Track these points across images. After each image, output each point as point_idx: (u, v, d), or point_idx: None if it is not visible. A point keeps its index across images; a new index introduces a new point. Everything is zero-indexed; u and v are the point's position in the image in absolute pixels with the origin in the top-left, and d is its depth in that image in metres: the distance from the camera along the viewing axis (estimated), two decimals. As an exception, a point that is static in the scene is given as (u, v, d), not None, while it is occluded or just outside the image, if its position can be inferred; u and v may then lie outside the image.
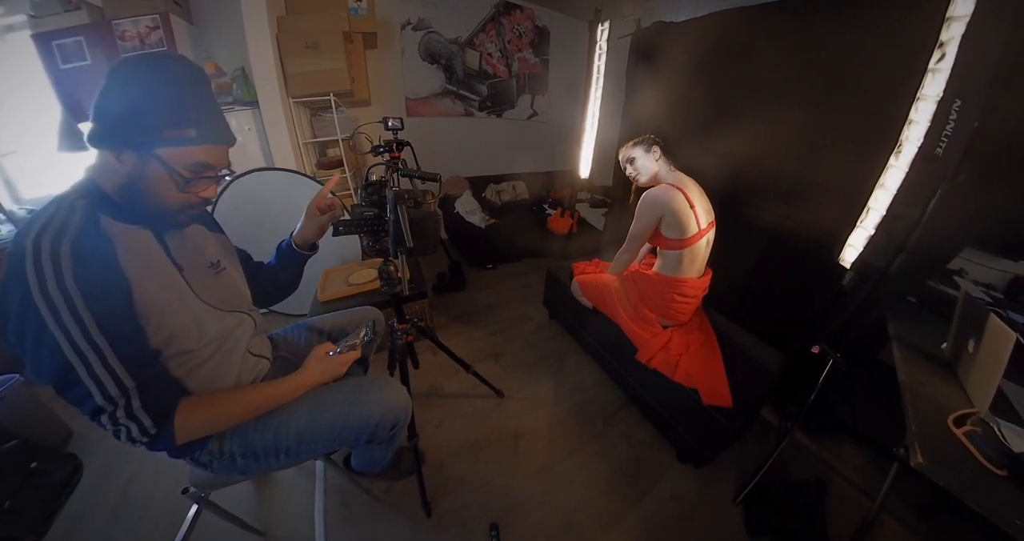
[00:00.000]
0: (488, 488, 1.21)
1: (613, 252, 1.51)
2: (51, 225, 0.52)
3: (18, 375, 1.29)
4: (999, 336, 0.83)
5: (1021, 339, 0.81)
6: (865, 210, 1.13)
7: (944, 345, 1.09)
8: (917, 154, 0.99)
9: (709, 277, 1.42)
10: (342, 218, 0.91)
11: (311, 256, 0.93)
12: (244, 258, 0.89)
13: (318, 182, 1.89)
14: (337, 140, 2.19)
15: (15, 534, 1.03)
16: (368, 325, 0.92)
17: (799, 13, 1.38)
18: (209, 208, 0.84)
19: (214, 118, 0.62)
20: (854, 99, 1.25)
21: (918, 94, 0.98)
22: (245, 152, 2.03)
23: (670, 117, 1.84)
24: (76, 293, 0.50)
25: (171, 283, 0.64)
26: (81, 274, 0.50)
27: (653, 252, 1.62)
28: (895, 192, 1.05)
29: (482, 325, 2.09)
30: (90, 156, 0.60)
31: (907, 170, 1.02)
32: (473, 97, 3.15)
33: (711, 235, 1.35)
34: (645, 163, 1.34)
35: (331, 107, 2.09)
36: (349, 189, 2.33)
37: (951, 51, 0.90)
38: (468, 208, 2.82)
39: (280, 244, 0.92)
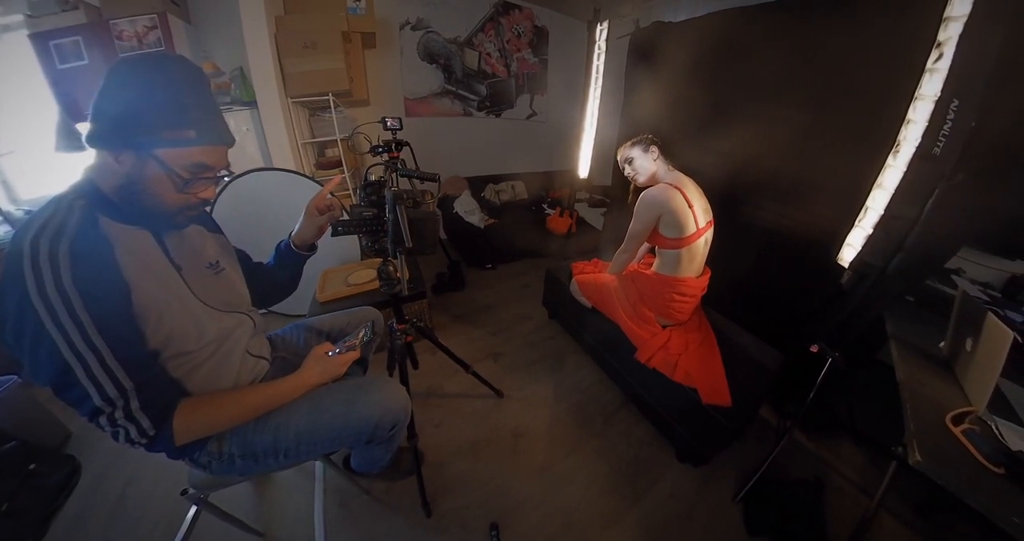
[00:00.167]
0: (488, 488, 1.21)
1: (612, 252, 1.51)
2: (49, 226, 0.52)
3: (16, 376, 1.28)
4: (996, 335, 0.83)
5: (1018, 338, 0.81)
6: (863, 209, 1.14)
7: (942, 344, 1.09)
8: (915, 154, 0.99)
9: (708, 276, 1.42)
10: (341, 218, 0.91)
11: (310, 256, 0.93)
12: (243, 258, 0.89)
13: (317, 182, 1.89)
14: (336, 140, 2.18)
15: (13, 536, 1.02)
16: (367, 325, 0.92)
17: (797, 13, 1.38)
18: (208, 208, 0.84)
19: (213, 119, 0.62)
20: (852, 99, 1.25)
21: (916, 94, 0.99)
22: (243, 152, 2.02)
23: (669, 117, 1.84)
24: (74, 294, 0.49)
25: (169, 284, 0.63)
26: (79, 275, 0.50)
27: (652, 251, 1.62)
28: (893, 192, 1.05)
29: (481, 325, 2.09)
30: (88, 157, 0.60)
31: (905, 170, 1.02)
32: (472, 97, 3.15)
33: (709, 234, 1.36)
34: (643, 163, 1.34)
35: (330, 107, 2.09)
36: (348, 189, 2.32)
37: (948, 51, 0.91)
38: (467, 208, 2.82)
39: (279, 245, 0.92)
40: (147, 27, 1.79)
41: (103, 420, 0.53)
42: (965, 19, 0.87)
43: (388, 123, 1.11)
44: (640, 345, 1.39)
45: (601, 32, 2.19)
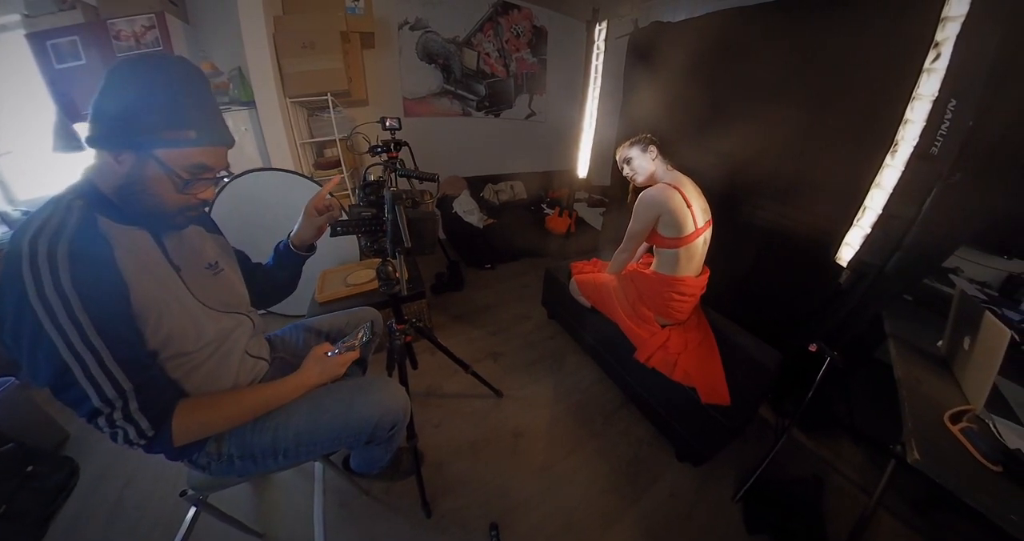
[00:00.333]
0: (488, 488, 1.21)
1: (611, 251, 1.52)
2: (48, 226, 0.52)
3: (14, 378, 1.28)
4: (994, 333, 0.84)
5: (1016, 336, 0.82)
6: (861, 209, 1.14)
7: (940, 343, 1.10)
8: (913, 153, 1.00)
9: (707, 276, 1.42)
10: (340, 218, 0.91)
11: (308, 257, 0.93)
12: (242, 259, 0.89)
13: (316, 183, 1.89)
14: (335, 140, 2.18)
15: (12, 538, 1.02)
16: (366, 325, 0.92)
17: (796, 13, 1.38)
18: (207, 209, 0.84)
19: (213, 119, 0.62)
20: (850, 99, 1.25)
21: (914, 94, 0.99)
22: (242, 152, 2.02)
23: (667, 117, 1.85)
24: (73, 295, 0.49)
25: (168, 284, 0.63)
26: (78, 275, 0.50)
27: (650, 251, 1.62)
28: (891, 191, 1.05)
29: (481, 325, 2.09)
30: (86, 157, 0.60)
31: (903, 169, 1.02)
32: (471, 97, 3.14)
33: (708, 234, 1.36)
34: (642, 163, 1.34)
35: (328, 107, 2.09)
36: (347, 189, 2.32)
37: (946, 51, 0.91)
38: (466, 208, 2.82)
39: (277, 245, 0.92)
40: (145, 27, 1.79)
41: (101, 421, 0.53)
42: (963, 19, 0.88)
43: (387, 123, 1.10)
44: (639, 344, 1.39)
45: (600, 32, 2.20)
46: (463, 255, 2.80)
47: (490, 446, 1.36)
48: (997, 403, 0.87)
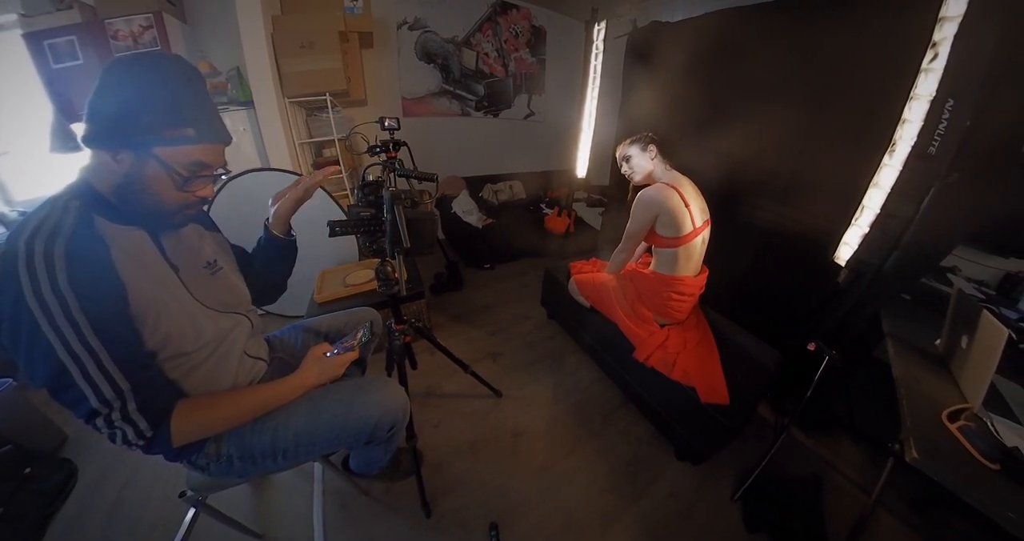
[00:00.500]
0: (487, 488, 1.21)
1: (610, 251, 1.52)
2: (44, 226, 0.51)
3: (11, 379, 1.27)
4: (991, 332, 0.84)
5: (1013, 335, 0.82)
6: (860, 208, 1.14)
7: (938, 341, 1.10)
8: (911, 153, 1.00)
9: (705, 275, 1.42)
10: (337, 219, 0.90)
11: (289, 242, 0.89)
12: (240, 255, 0.88)
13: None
14: (333, 140, 2.18)
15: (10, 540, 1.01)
16: (365, 326, 0.92)
17: (794, 13, 1.39)
18: (205, 207, 0.83)
19: (211, 117, 0.62)
20: (848, 98, 1.26)
21: (911, 93, 0.99)
22: (240, 152, 2.01)
23: (666, 117, 1.85)
24: (70, 295, 0.49)
25: (167, 284, 0.63)
26: (75, 276, 0.50)
27: (649, 251, 1.62)
28: (889, 190, 1.06)
29: (480, 325, 2.09)
30: (83, 157, 0.60)
31: (901, 169, 1.03)
32: (470, 97, 3.14)
33: (707, 233, 1.36)
34: (640, 161, 1.34)
35: (327, 107, 2.08)
36: (346, 189, 2.32)
37: (944, 51, 0.91)
38: (465, 208, 2.82)
39: (259, 240, 0.89)
40: (143, 26, 1.78)
41: (100, 422, 0.53)
42: (960, 19, 0.88)
43: (386, 123, 1.10)
44: (638, 344, 1.39)
45: (599, 32, 2.20)
46: (462, 255, 2.79)
47: (489, 446, 1.36)
48: (995, 401, 0.87)
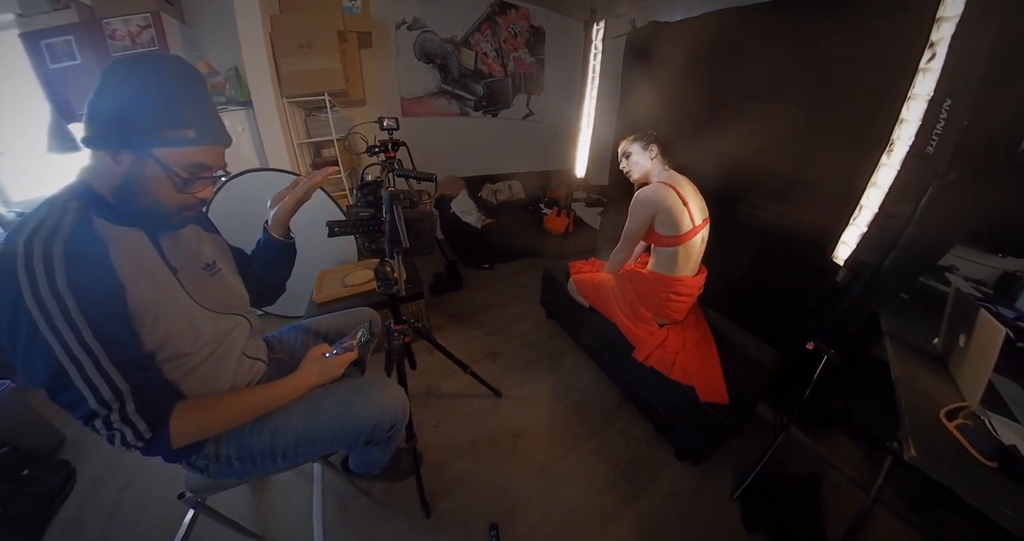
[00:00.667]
0: (487, 488, 1.21)
1: (609, 251, 1.52)
2: (43, 227, 0.51)
3: (9, 381, 1.27)
4: (989, 331, 0.84)
5: (1010, 334, 0.82)
6: (858, 208, 1.15)
7: (936, 340, 1.11)
8: (908, 152, 1.00)
9: (704, 275, 1.43)
10: (336, 219, 0.90)
11: (287, 244, 0.88)
12: (238, 255, 0.88)
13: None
14: (332, 140, 2.17)
15: (7, 542, 1.01)
16: (365, 326, 0.91)
17: (793, 13, 1.39)
18: (204, 208, 0.83)
19: (211, 118, 0.61)
20: (847, 98, 1.26)
21: (909, 93, 1.00)
22: (239, 153, 2.01)
23: (665, 116, 1.85)
24: (69, 296, 0.49)
25: (165, 285, 0.63)
26: (74, 277, 0.50)
27: (648, 250, 1.62)
28: (887, 190, 1.06)
29: (479, 325, 2.09)
30: (81, 158, 0.59)
31: (899, 168, 1.03)
32: (469, 97, 3.14)
33: (706, 232, 1.36)
34: (640, 160, 1.35)
35: (326, 107, 2.08)
36: (345, 189, 2.31)
37: (941, 51, 0.92)
38: (464, 208, 2.82)
39: (258, 242, 0.89)
40: (140, 26, 1.77)
41: (98, 423, 0.53)
42: (957, 19, 0.88)
43: (384, 123, 1.10)
44: (637, 344, 1.39)
45: (597, 32, 2.20)
46: (461, 255, 2.79)
47: (489, 446, 1.36)
48: (992, 400, 0.88)
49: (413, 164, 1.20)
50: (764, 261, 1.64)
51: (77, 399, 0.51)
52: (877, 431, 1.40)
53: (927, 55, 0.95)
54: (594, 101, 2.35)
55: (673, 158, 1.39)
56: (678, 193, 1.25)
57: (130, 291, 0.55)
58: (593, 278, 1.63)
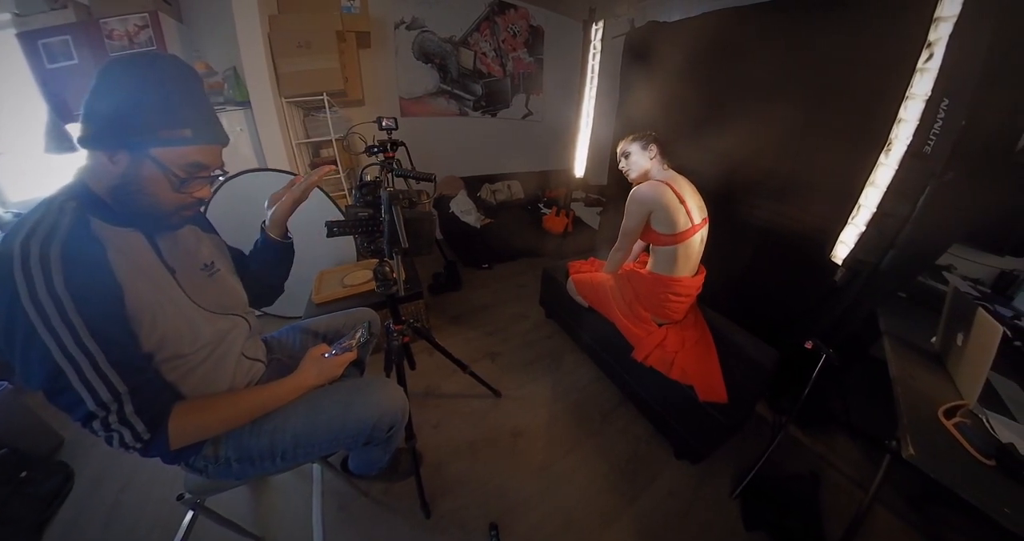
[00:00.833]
0: (487, 488, 1.21)
1: (608, 250, 1.52)
2: (40, 228, 0.51)
3: (7, 382, 1.26)
4: (987, 329, 0.85)
5: (1008, 332, 0.83)
6: (856, 207, 1.15)
7: (934, 339, 1.11)
8: (906, 152, 1.01)
9: (703, 276, 1.43)
10: (335, 220, 0.90)
11: (285, 245, 0.88)
12: (237, 257, 0.88)
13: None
14: (331, 140, 2.17)
15: (5, 544, 1.01)
16: (364, 326, 0.91)
17: (791, 13, 1.39)
18: (202, 208, 0.82)
19: (208, 118, 0.61)
20: (845, 98, 1.26)
21: (907, 93, 1.00)
22: (237, 153, 2.00)
23: (664, 116, 1.85)
24: (66, 297, 0.49)
25: (163, 285, 0.63)
26: (71, 277, 0.50)
27: (647, 250, 1.63)
28: (885, 189, 1.06)
29: (478, 325, 2.09)
30: (79, 158, 0.59)
31: (897, 168, 1.03)
32: (467, 97, 3.14)
33: (704, 232, 1.36)
34: (638, 159, 1.35)
35: (324, 107, 2.08)
36: (343, 190, 2.31)
37: (939, 51, 0.92)
38: (463, 208, 2.82)
39: (256, 242, 0.89)
40: (138, 26, 1.77)
41: (97, 425, 0.53)
42: (955, 19, 0.88)
43: (383, 123, 1.10)
44: (636, 343, 1.39)
45: (596, 32, 2.20)
46: (460, 255, 2.79)
47: (489, 446, 1.36)
48: (990, 398, 0.88)
49: (412, 164, 1.20)
50: (763, 260, 1.64)
51: (75, 401, 0.51)
52: (876, 430, 1.41)
53: (925, 55, 0.95)
54: (593, 101, 2.35)
55: (672, 158, 1.39)
56: (674, 191, 1.25)
57: (128, 292, 0.55)
58: (592, 278, 1.63)
